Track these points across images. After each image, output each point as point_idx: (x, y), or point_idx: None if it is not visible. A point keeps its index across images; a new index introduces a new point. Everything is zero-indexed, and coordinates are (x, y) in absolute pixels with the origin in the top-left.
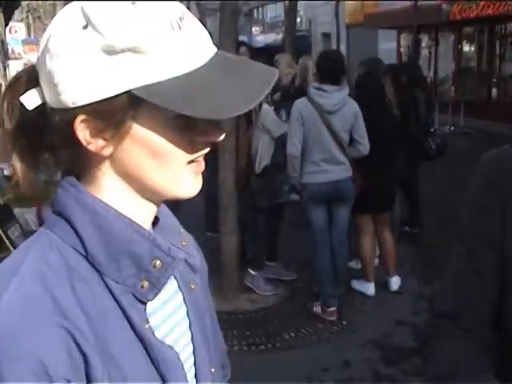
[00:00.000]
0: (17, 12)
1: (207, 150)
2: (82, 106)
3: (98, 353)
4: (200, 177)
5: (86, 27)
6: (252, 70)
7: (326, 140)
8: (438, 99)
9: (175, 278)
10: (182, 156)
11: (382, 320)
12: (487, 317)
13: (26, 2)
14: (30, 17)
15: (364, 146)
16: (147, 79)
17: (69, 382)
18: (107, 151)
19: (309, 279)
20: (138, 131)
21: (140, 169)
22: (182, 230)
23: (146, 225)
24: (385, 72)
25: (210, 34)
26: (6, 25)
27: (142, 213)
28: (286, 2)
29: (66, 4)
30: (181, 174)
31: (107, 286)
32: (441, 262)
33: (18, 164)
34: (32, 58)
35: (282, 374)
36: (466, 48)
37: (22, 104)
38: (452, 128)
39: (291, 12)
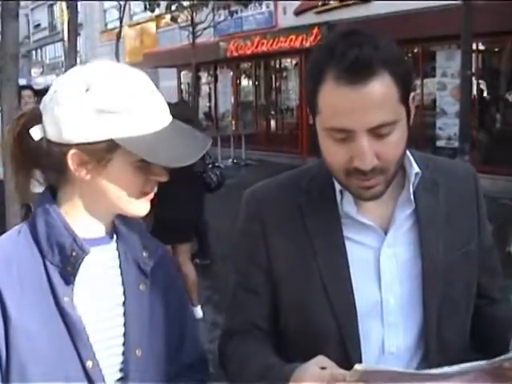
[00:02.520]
0: None
1: (155, 186)
2: (76, 144)
3: (17, 304)
4: (148, 203)
5: (87, 91)
6: (194, 136)
7: None
8: (219, 133)
9: (121, 275)
10: (138, 187)
11: None
12: (268, 329)
13: None
14: None
15: None
16: (123, 133)
17: None
18: (87, 177)
19: None
20: (112, 167)
21: (106, 192)
22: (152, 246)
23: (99, 231)
24: None
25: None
26: None
27: (98, 220)
28: (66, 43)
29: None
30: (134, 199)
31: (45, 266)
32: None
33: (14, 177)
34: None
35: None
36: (245, 83)
37: (28, 134)
38: (235, 161)
39: (71, 52)
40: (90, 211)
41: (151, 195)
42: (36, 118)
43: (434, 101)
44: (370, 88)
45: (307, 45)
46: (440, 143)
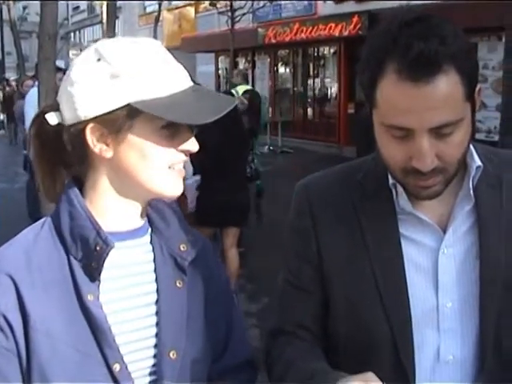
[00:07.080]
0: None
1: (185, 158)
2: (93, 118)
3: (37, 301)
4: (181, 180)
5: (99, 60)
6: (217, 96)
7: None
8: None
9: (155, 272)
10: (166, 159)
11: None
12: (318, 331)
13: None
14: None
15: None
16: (141, 96)
17: (5, 316)
18: (108, 154)
19: None
20: (133, 137)
21: (132, 169)
22: (191, 237)
23: (131, 223)
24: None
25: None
26: None
27: (128, 209)
28: (104, 26)
29: None
30: (164, 175)
31: (69, 261)
32: (265, 279)
33: (40, 177)
34: None
35: None
36: (282, 70)
37: (46, 123)
38: (271, 148)
39: (109, 35)
40: (119, 198)
41: (183, 171)
42: (55, 109)
43: None
44: (434, 86)
45: (346, 33)
46: (479, 136)
